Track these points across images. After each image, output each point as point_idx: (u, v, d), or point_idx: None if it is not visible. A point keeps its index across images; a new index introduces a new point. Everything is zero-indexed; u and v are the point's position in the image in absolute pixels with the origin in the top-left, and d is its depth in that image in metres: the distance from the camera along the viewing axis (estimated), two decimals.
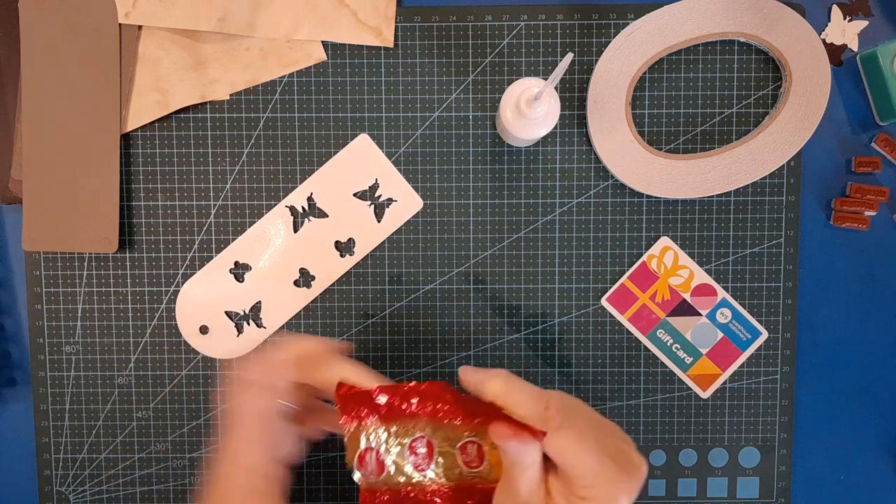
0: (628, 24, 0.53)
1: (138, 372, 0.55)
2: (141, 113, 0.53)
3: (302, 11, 0.53)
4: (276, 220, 0.54)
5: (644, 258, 0.55)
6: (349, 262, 0.54)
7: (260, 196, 0.55)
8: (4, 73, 0.53)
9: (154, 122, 0.54)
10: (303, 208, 0.53)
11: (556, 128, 0.54)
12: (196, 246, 0.55)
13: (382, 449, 0.46)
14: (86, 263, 0.55)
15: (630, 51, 0.53)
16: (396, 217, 0.54)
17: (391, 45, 0.54)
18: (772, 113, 0.54)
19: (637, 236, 0.55)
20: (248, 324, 0.54)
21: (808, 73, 0.53)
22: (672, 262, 0.55)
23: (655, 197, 0.55)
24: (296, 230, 0.54)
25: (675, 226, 0.55)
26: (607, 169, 0.54)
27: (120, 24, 0.52)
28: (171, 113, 0.54)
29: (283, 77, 0.54)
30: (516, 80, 0.48)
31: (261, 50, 0.53)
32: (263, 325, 0.54)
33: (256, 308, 0.54)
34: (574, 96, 0.54)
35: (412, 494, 0.48)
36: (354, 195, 0.53)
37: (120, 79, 0.53)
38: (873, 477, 0.57)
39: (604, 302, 0.55)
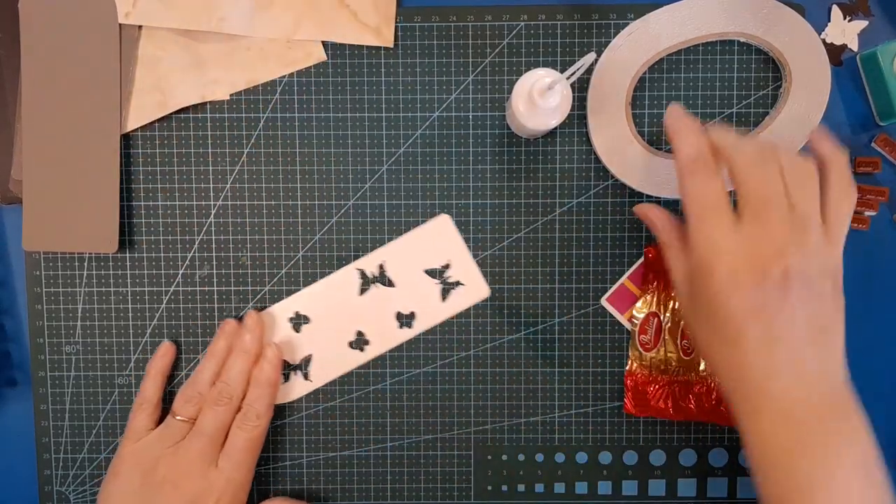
0: (628, 24, 0.53)
1: (138, 372, 0.55)
2: (141, 113, 0.53)
3: (302, 11, 0.53)
4: (344, 279, 0.54)
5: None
6: (406, 334, 0.54)
7: (260, 196, 0.55)
8: (4, 73, 0.53)
9: (154, 122, 0.54)
10: (372, 274, 0.54)
11: (556, 128, 0.54)
12: (196, 246, 0.55)
13: (664, 318, 0.54)
14: (86, 263, 0.55)
15: (630, 51, 0.53)
16: (461, 300, 0.54)
17: (391, 45, 0.54)
18: (772, 113, 0.54)
19: (637, 236, 0.55)
20: (296, 373, 0.54)
21: (808, 74, 0.53)
22: None
23: (655, 197, 0.55)
24: (361, 293, 0.54)
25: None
26: (607, 169, 0.54)
27: (120, 24, 0.52)
28: (171, 113, 0.54)
29: (283, 77, 0.54)
30: (517, 78, 0.48)
31: (261, 50, 0.53)
32: (310, 378, 0.55)
33: (306, 360, 0.54)
34: (574, 96, 0.54)
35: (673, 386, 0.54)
36: (425, 271, 0.54)
37: (120, 79, 0.53)
38: None
39: (604, 302, 0.55)
